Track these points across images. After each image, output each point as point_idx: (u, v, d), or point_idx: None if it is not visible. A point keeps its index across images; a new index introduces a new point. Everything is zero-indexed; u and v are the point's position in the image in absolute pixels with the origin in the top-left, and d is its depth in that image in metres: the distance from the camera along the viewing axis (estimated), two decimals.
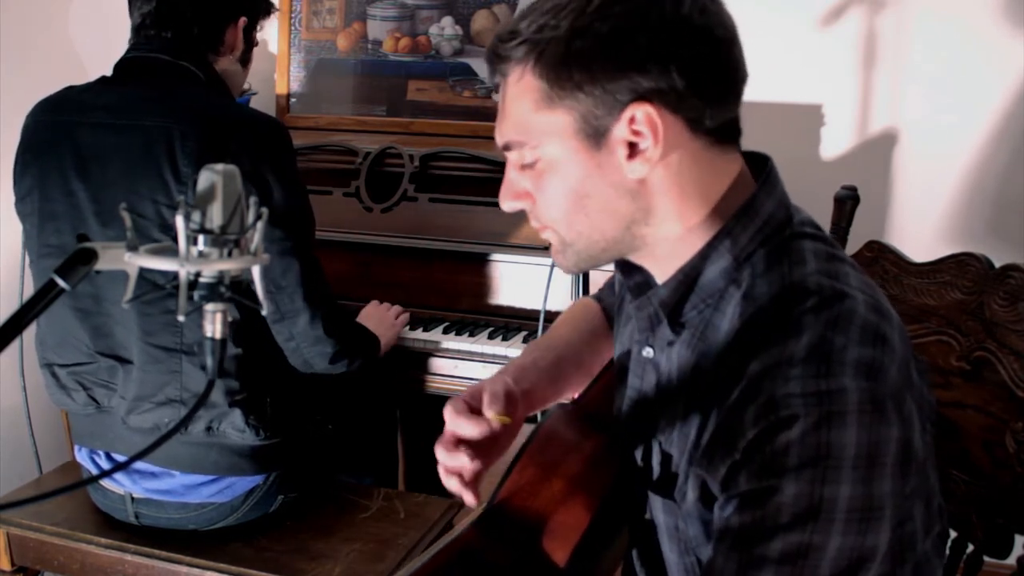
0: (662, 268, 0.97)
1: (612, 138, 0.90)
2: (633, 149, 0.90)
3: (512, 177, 0.98)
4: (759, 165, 0.97)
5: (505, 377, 1.10)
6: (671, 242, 0.95)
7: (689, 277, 0.95)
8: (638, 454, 1.03)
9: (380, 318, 1.96)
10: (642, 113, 0.88)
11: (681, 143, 0.90)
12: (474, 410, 1.04)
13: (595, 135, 0.90)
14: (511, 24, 0.93)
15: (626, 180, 0.91)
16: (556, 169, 0.93)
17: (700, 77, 0.89)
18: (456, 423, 1.03)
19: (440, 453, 1.04)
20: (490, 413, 1.02)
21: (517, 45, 0.90)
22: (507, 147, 0.96)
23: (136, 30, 1.65)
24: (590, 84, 0.88)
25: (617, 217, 0.93)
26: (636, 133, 0.89)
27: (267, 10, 1.79)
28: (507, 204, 0.99)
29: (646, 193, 0.92)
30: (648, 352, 1.02)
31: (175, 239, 0.72)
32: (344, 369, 1.72)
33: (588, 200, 0.92)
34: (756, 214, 0.93)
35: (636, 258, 0.99)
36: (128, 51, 1.65)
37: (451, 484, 1.04)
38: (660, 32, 0.87)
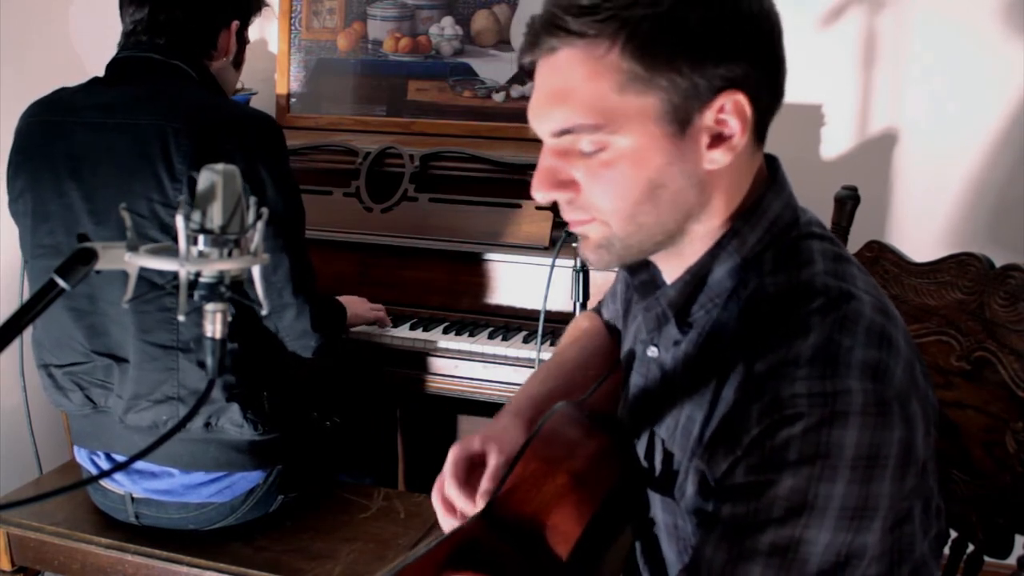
0: (674, 266, 0.97)
1: (697, 125, 0.87)
2: (715, 138, 0.88)
3: (553, 165, 0.90)
4: (768, 165, 0.97)
5: (518, 419, 1.09)
6: (701, 239, 0.94)
7: (697, 277, 0.94)
8: (640, 452, 1.03)
9: (358, 302, 1.98)
10: (731, 102, 0.86)
11: (748, 137, 0.90)
12: (476, 465, 1.03)
13: (681, 121, 0.86)
14: None
15: (699, 170, 0.89)
16: (630, 156, 0.86)
17: (772, 70, 0.90)
18: (451, 491, 1.02)
19: (440, 514, 1.04)
20: (482, 502, 0.99)
21: (599, 20, 0.83)
22: (566, 132, 0.87)
23: (127, 36, 1.64)
24: (689, 67, 0.84)
25: (682, 209, 0.90)
26: (720, 122, 0.87)
27: (257, 7, 1.77)
28: (544, 194, 0.91)
29: (710, 185, 0.90)
30: (653, 351, 1.02)
31: (172, 237, 0.72)
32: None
33: (662, 190, 0.88)
34: (764, 215, 0.93)
35: (656, 256, 0.97)
36: (119, 51, 1.64)
37: (447, 524, 1.04)
38: (751, 22, 0.87)
